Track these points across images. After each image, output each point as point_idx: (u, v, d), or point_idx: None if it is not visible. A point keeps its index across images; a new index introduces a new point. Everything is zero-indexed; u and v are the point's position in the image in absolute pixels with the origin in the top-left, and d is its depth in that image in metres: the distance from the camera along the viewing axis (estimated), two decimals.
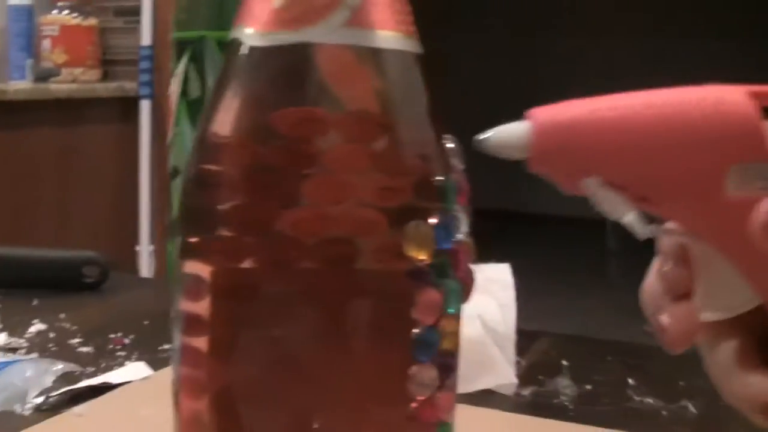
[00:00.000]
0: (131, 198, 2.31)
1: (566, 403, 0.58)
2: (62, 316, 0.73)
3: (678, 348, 0.32)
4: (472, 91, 4.47)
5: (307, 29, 0.31)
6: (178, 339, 0.33)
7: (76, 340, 0.67)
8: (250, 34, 0.32)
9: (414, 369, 0.32)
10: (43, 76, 2.29)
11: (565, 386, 0.60)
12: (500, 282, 0.64)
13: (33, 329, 0.69)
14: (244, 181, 0.32)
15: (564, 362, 0.63)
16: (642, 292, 0.34)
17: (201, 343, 0.32)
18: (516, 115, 0.32)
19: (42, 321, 0.71)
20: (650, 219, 0.32)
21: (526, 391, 0.60)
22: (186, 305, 0.33)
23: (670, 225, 0.33)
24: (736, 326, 0.33)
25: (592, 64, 4.21)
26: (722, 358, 0.33)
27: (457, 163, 0.34)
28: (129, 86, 2.36)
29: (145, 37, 2.34)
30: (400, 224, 0.31)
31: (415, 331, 0.31)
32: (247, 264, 0.32)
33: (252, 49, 0.32)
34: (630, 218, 0.31)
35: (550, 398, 0.59)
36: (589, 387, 0.61)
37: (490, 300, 0.61)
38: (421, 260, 0.31)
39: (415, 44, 0.34)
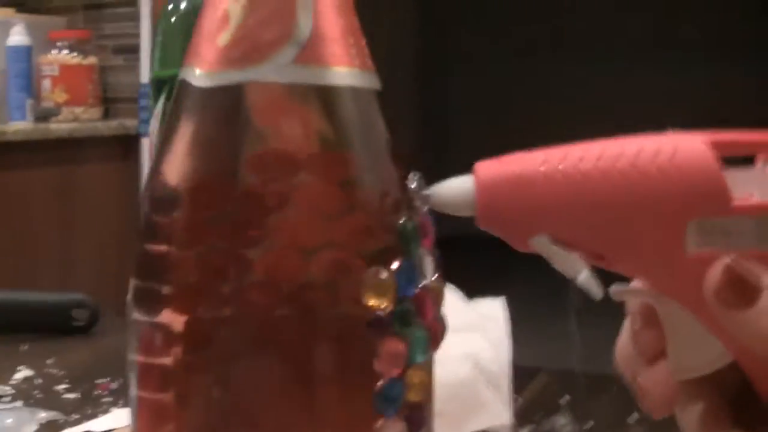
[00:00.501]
0: (132, 237, 2.30)
1: None
2: (50, 361, 0.72)
3: (660, 414, 0.30)
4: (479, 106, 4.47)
5: (253, 68, 0.30)
6: (134, 390, 0.32)
7: (62, 386, 0.66)
8: (197, 74, 0.31)
9: (380, 423, 0.30)
10: (43, 116, 2.29)
11: (563, 425, 0.58)
12: (493, 318, 0.62)
13: (19, 375, 0.69)
14: (195, 232, 0.30)
15: (564, 399, 0.61)
16: (615, 355, 0.33)
17: (158, 394, 0.31)
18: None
19: (29, 366, 0.70)
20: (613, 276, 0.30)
21: (523, 431, 0.58)
22: (139, 356, 0.32)
23: (635, 283, 0.31)
24: (706, 386, 0.31)
25: (601, 86, 4.20)
26: (692, 420, 0.31)
27: (422, 204, 0.32)
28: (130, 124, 2.36)
29: (145, 75, 2.34)
30: (359, 270, 0.30)
31: (379, 383, 0.30)
32: (202, 312, 0.30)
33: (198, 90, 0.31)
34: (584, 277, 0.30)
35: None
36: (589, 424, 0.59)
37: (483, 338, 0.59)
38: (382, 309, 0.30)
39: (371, 79, 0.32)
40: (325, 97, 0.31)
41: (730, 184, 0.29)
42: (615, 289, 0.31)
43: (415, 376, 0.31)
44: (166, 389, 0.31)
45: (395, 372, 0.30)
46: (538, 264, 0.31)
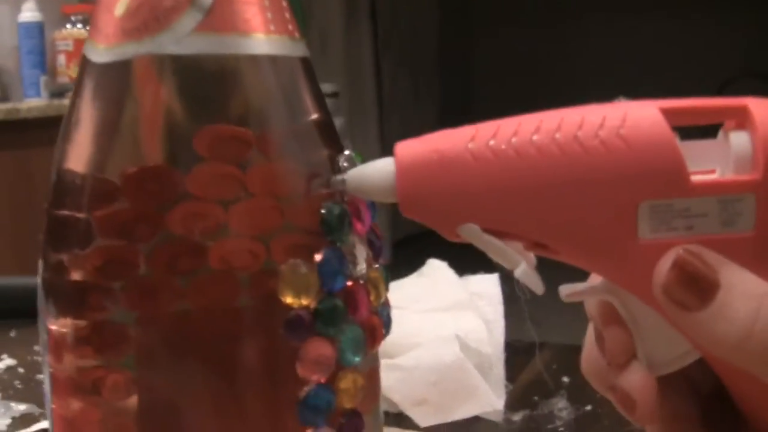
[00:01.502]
0: None
1: (561, 429, 0.53)
2: (36, 347, 0.70)
3: (651, 421, 0.26)
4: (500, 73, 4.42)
5: (150, 39, 0.27)
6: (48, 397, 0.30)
7: (39, 376, 0.65)
8: (95, 49, 0.28)
9: None
10: (58, 92, 2.28)
11: (561, 408, 0.55)
12: (487, 295, 0.59)
13: (1, 365, 0.67)
14: (106, 224, 0.28)
15: (565, 378, 0.58)
16: (582, 366, 0.29)
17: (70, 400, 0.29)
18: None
19: (12, 356, 0.69)
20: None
21: (517, 416, 0.54)
22: (52, 361, 0.29)
23: (591, 278, 0.27)
24: (678, 382, 0.28)
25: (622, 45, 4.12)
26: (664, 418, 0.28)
27: (338, 190, 0.29)
28: None
29: None
30: (273, 264, 0.27)
31: (303, 390, 0.27)
32: (113, 312, 0.28)
33: (97, 66, 0.28)
34: (522, 271, 0.26)
35: (543, 423, 0.54)
36: (588, 408, 0.55)
37: (474, 317, 0.56)
38: (303, 307, 0.27)
39: (294, 46, 0.29)
40: (233, 69, 0.28)
41: (688, 158, 0.24)
42: (565, 290, 0.27)
43: (347, 381, 0.28)
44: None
45: (320, 377, 0.27)
46: None
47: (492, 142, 0.25)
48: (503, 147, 0.25)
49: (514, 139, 0.25)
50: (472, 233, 0.26)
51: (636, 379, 0.26)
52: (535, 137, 0.25)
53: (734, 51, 3.82)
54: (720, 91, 3.52)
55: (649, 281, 0.25)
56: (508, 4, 4.32)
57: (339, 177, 0.27)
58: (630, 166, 0.24)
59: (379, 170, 0.26)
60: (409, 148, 0.26)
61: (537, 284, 0.26)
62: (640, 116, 0.25)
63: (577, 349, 0.69)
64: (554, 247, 0.26)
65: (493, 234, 0.26)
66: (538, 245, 0.26)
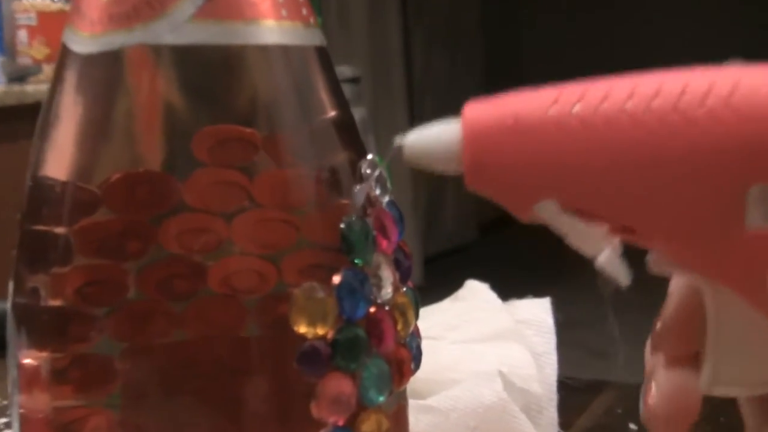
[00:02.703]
0: None
1: None
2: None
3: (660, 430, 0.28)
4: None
5: (144, 26, 0.28)
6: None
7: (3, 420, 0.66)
8: (78, 37, 0.30)
9: None
10: (19, 76, 2.31)
11: None
12: (537, 324, 0.60)
13: None
14: (88, 240, 0.29)
15: (632, 426, 0.59)
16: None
17: None
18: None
19: None
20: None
21: None
22: (23, 401, 0.31)
23: (674, 281, 0.29)
24: (749, 408, 0.29)
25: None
26: None
27: (382, 192, 0.31)
28: None
29: None
30: (284, 287, 0.28)
31: None
32: (96, 343, 0.29)
33: (80, 57, 0.30)
34: (606, 257, 0.27)
35: None
36: None
37: (521, 349, 0.58)
38: (319, 337, 0.28)
39: (310, 34, 0.30)
40: (238, 61, 0.29)
41: None
42: (655, 257, 0.27)
43: (370, 423, 0.29)
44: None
45: (338, 419, 0.28)
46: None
47: (577, 108, 0.26)
48: (590, 114, 0.26)
49: (603, 106, 0.26)
50: (550, 212, 0.26)
51: (677, 381, 0.28)
52: (628, 104, 0.26)
53: None
54: None
55: (754, 277, 0.26)
56: None
57: (396, 142, 0.27)
58: (740, 141, 0.25)
59: (443, 134, 0.27)
60: (480, 110, 0.27)
61: (623, 274, 0.27)
62: (755, 84, 0.25)
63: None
64: (644, 232, 0.27)
65: (575, 214, 0.26)
66: (626, 229, 0.27)
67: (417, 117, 3.60)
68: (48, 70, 2.36)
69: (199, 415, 0.29)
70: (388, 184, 0.31)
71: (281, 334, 0.29)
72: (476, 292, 0.64)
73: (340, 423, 0.28)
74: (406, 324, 0.31)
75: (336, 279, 0.29)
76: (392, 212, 0.31)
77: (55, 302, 0.30)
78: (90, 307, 0.29)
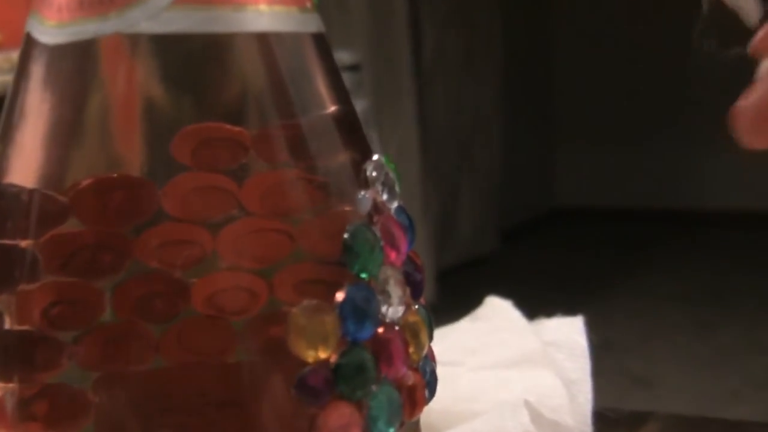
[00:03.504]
0: None
1: None
2: None
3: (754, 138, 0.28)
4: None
5: (120, 13, 0.29)
6: None
7: None
8: (44, 26, 0.30)
9: None
10: None
11: None
12: (568, 346, 0.60)
13: None
14: (56, 255, 0.30)
15: None
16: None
17: None
18: None
19: None
20: None
21: None
22: None
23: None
24: None
25: None
26: None
27: (389, 197, 0.31)
28: None
29: None
30: (279, 306, 0.29)
31: None
32: (66, 371, 0.30)
33: (47, 48, 0.30)
34: None
35: None
36: None
37: (551, 375, 0.58)
38: (320, 361, 0.29)
39: (306, 20, 0.31)
40: (225, 51, 0.30)
41: None
42: None
43: None
44: None
45: None
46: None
47: None
48: None
49: None
50: None
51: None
52: None
53: None
54: None
55: None
56: None
57: None
58: None
59: None
60: None
61: (754, 9, 0.28)
62: None
63: (697, 423, 0.71)
64: None
65: None
66: None
67: (427, 106, 3.60)
68: (1, 59, 2.37)
69: None
70: (397, 188, 0.32)
71: (275, 360, 0.29)
72: (498, 310, 0.64)
73: None
74: (419, 346, 0.32)
75: (339, 296, 0.29)
76: (401, 219, 0.32)
77: (20, 326, 0.30)
78: (58, 330, 0.29)
